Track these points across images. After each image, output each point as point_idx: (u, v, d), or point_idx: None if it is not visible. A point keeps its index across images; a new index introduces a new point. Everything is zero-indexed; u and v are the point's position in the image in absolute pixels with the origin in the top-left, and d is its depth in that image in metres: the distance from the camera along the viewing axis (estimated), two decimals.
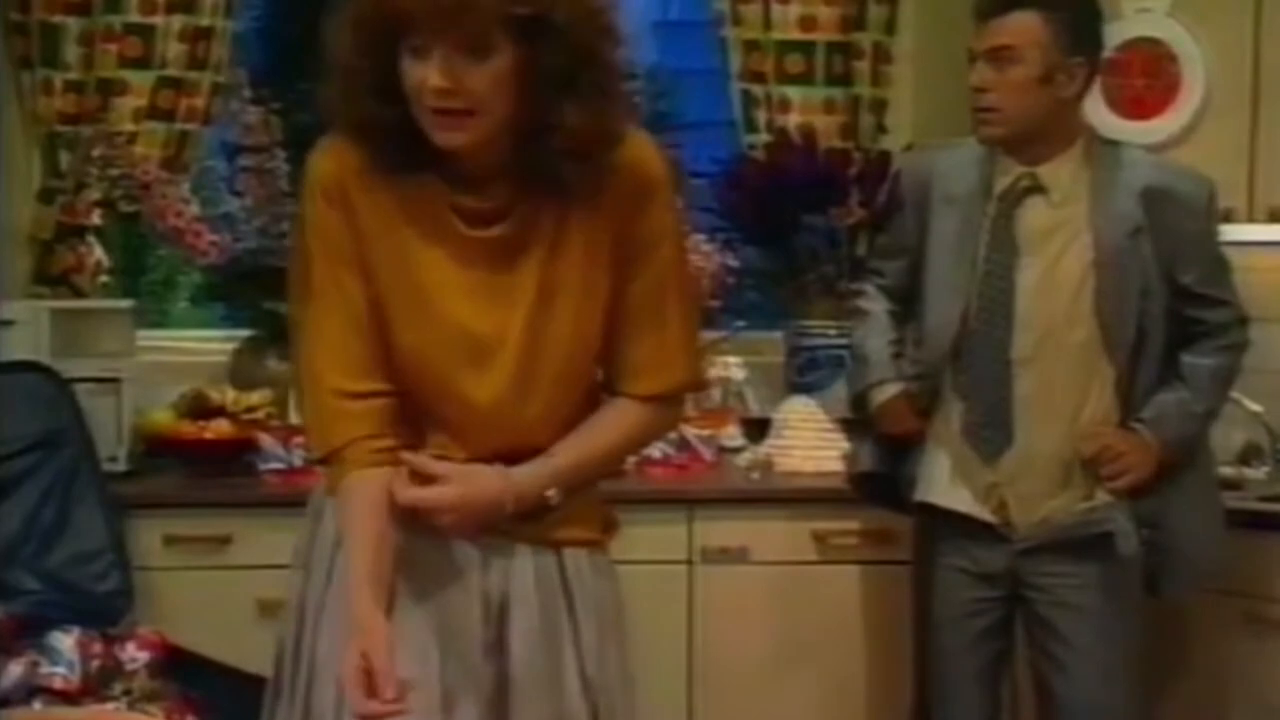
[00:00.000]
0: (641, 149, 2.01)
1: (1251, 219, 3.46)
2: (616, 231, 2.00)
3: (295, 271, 2.08)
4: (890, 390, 3.06)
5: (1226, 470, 3.41)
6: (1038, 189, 2.91)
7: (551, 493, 2.02)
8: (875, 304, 3.14)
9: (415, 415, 2.03)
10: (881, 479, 3.15)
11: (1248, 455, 3.65)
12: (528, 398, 2.00)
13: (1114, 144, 2.99)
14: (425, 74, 1.86)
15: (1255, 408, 3.54)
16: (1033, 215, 2.91)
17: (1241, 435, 3.62)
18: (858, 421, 3.21)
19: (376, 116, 1.93)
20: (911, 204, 3.06)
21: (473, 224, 1.98)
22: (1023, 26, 2.85)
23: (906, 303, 3.10)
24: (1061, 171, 2.90)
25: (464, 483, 1.98)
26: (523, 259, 1.98)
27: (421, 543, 2.02)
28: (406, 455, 2.00)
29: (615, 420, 2.07)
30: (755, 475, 3.59)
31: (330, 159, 2.00)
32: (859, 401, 3.15)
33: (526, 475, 2.01)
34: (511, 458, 2.02)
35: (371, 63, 1.90)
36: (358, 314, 1.99)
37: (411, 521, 2.00)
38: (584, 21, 1.89)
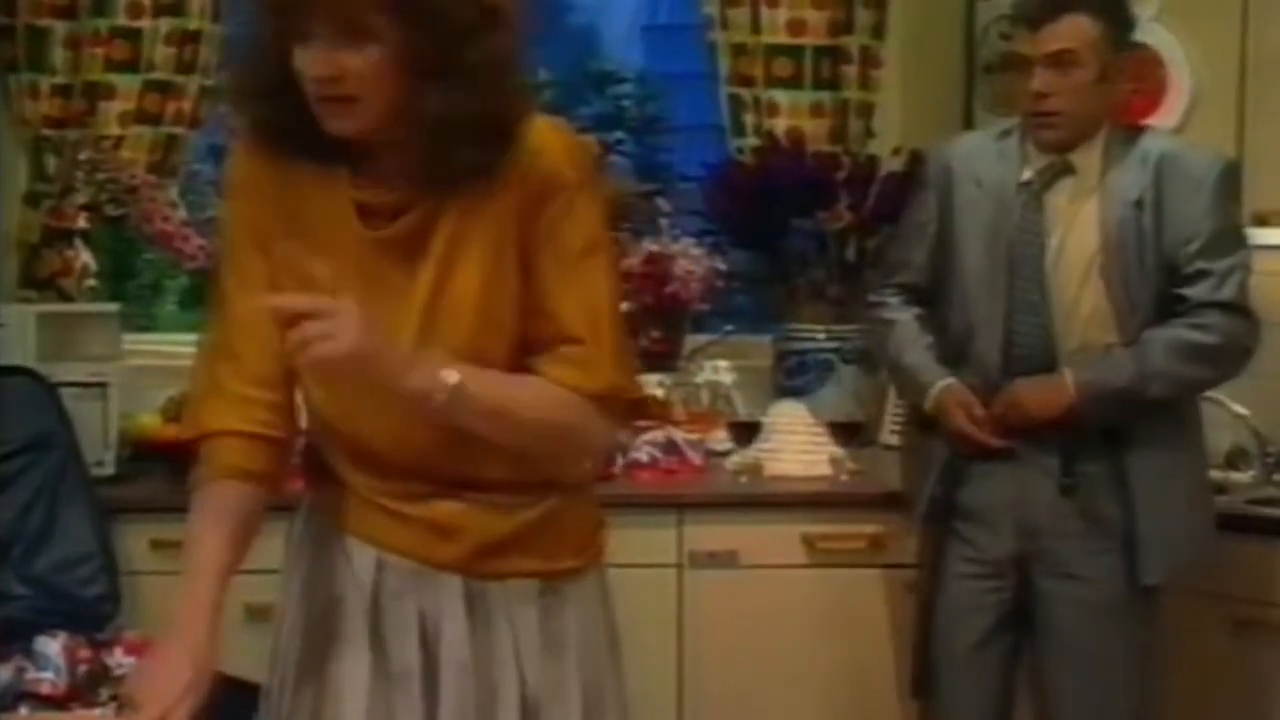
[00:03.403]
0: (547, 141, 1.93)
1: None
2: (522, 229, 1.93)
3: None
4: (956, 385, 2.98)
5: (1213, 473, 3.41)
6: (1068, 170, 2.95)
7: (451, 377, 1.84)
8: (901, 313, 3.11)
9: (328, 420, 1.99)
10: (946, 502, 3.04)
11: (1234, 459, 3.65)
12: None
13: (1137, 127, 3.03)
14: (307, 61, 1.85)
15: (1241, 411, 3.55)
16: (1060, 196, 2.94)
17: (1228, 438, 3.62)
18: (917, 445, 3.14)
19: (277, 111, 1.92)
20: (935, 185, 3.07)
21: (372, 221, 1.94)
22: (1077, 29, 2.87)
23: (930, 303, 3.08)
24: (1091, 154, 2.94)
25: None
26: (420, 257, 1.93)
27: (358, 567, 2.00)
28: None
29: (542, 383, 1.94)
30: (744, 479, 3.59)
31: (239, 157, 2.02)
32: (921, 411, 3.04)
33: (425, 353, 1.88)
34: (437, 466, 1.96)
35: (271, 56, 1.89)
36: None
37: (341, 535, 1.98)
38: (463, 5, 1.85)
